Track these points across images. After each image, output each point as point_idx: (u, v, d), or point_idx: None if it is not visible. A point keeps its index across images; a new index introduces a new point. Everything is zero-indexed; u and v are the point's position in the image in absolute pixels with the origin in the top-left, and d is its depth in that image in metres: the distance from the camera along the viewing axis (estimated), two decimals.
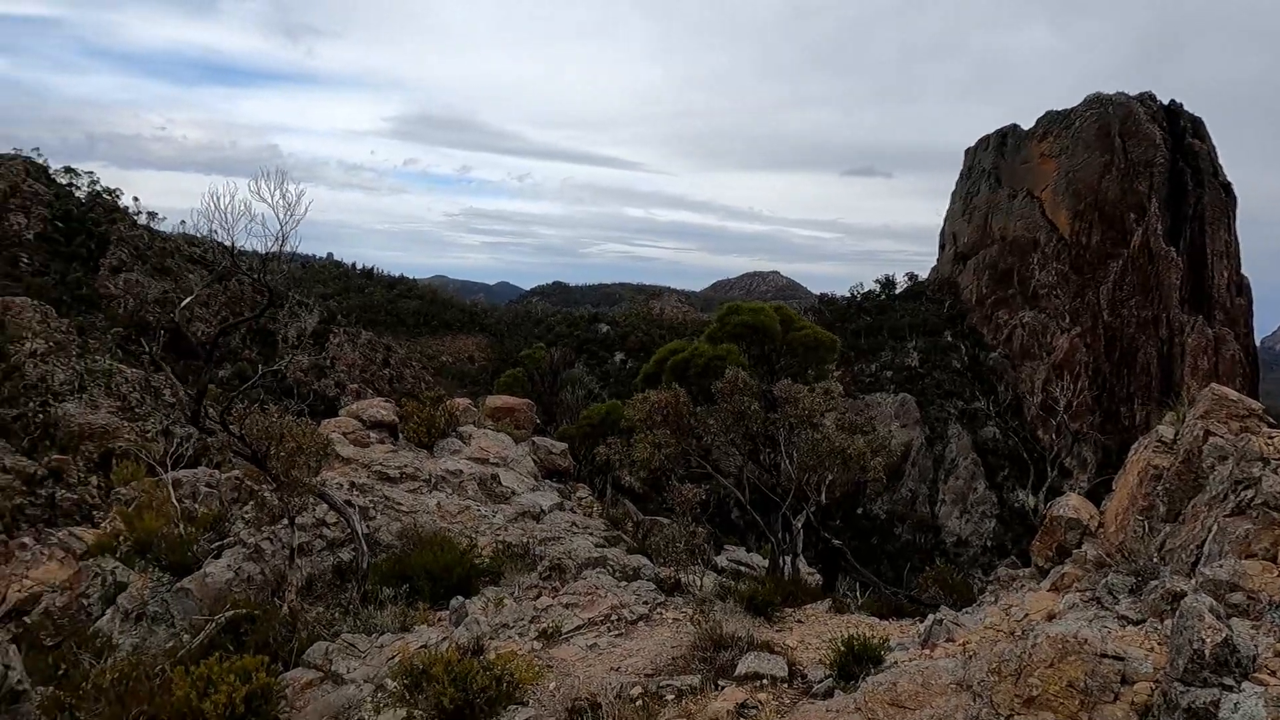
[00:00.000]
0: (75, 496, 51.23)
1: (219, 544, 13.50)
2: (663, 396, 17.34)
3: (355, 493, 14.23)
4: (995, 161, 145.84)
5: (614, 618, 10.20)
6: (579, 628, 9.94)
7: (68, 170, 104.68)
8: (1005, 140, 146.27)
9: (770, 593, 11.06)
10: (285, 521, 11.46)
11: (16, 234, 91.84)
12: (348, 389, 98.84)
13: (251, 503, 14.12)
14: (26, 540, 14.06)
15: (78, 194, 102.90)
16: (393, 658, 9.28)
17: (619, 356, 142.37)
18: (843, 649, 7.66)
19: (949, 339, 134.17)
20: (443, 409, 18.34)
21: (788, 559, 16.31)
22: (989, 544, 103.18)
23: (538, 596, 11.18)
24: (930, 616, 9.13)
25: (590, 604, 10.50)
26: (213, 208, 9.39)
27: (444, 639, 9.62)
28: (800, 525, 16.78)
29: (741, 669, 8.08)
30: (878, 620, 11.53)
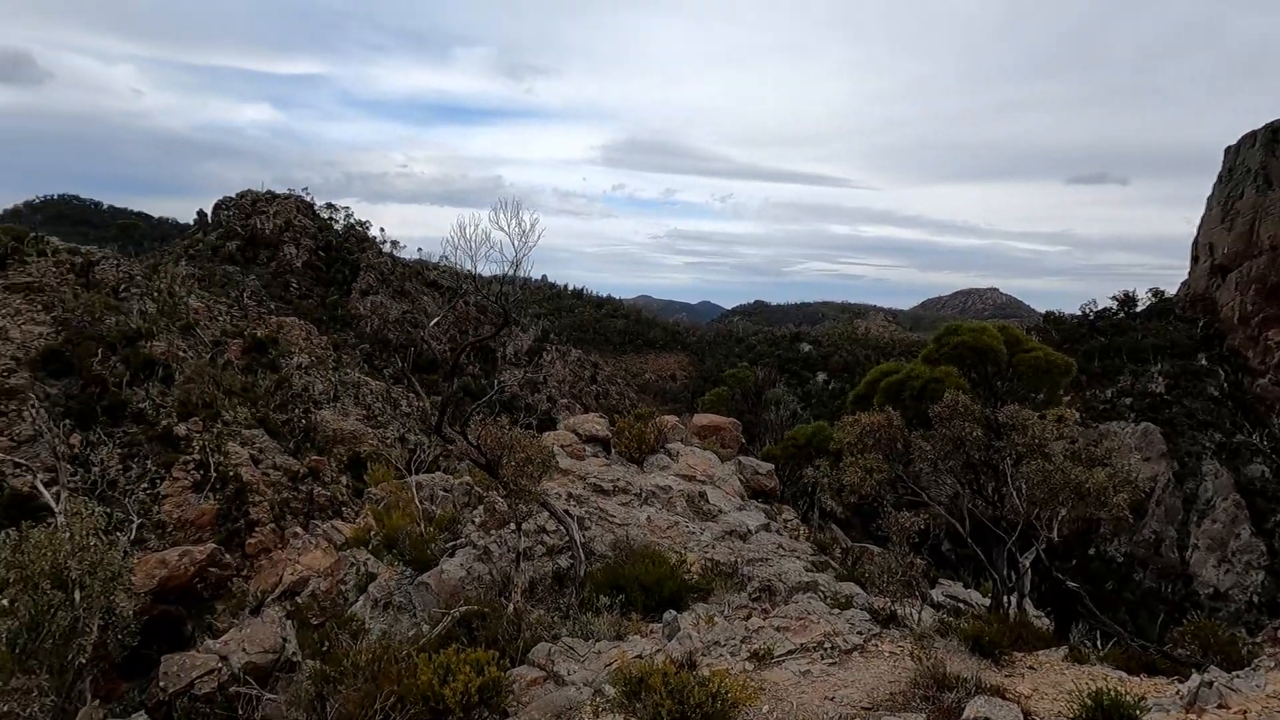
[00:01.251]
0: (329, 493, 57.79)
1: (453, 544, 14.73)
2: (875, 419, 16.75)
3: (572, 503, 14.96)
4: (1264, 160, 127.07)
5: (827, 645, 9.97)
6: (791, 652, 9.81)
7: (329, 206, 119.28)
8: (1276, 136, 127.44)
9: (998, 634, 10.30)
10: (512, 527, 12.28)
11: (289, 262, 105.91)
12: (558, 404, 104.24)
13: (481, 507, 15.28)
14: (298, 530, 16.14)
15: (336, 226, 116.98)
16: (610, 664, 9.64)
17: (821, 376, 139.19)
18: (1090, 703, 6.99)
19: (1204, 362, 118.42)
20: (652, 426, 18.86)
21: (1012, 599, 15.13)
22: (1256, 599, 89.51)
23: (748, 617, 11.16)
24: (1197, 676, 8.08)
25: (802, 629, 10.34)
26: (458, 236, 10.36)
27: (657, 651, 9.86)
28: (1028, 563, 15.54)
29: (969, 713, 7.60)
30: (1125, 675, 10.39)
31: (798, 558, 15.04)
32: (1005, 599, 14.92)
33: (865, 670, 9.65)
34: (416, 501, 14.92)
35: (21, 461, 43.04)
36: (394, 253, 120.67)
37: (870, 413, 17.37)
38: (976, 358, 20.58)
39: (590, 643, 10.47)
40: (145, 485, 49.41)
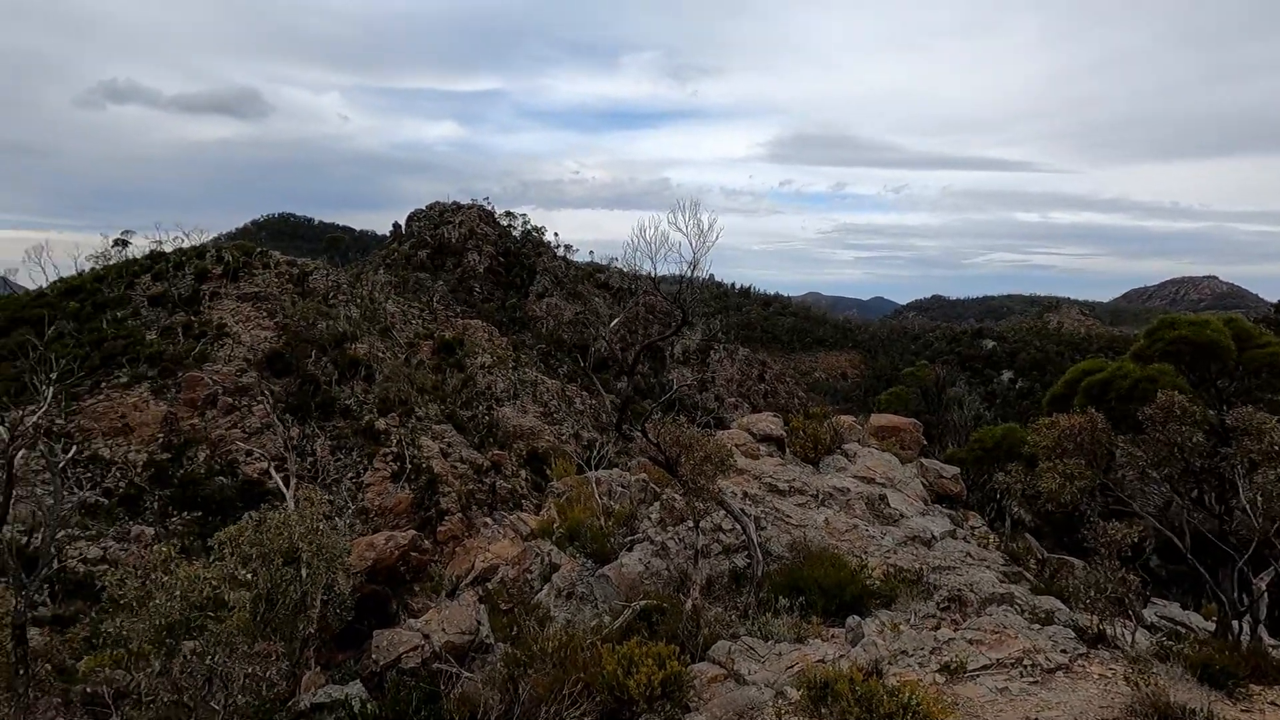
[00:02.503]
0: (510, 486, 60.86)
1: (631, 539, 15.09)
2: (1076, 421, 15.46)
3: (748, 502, 14.90)
4: None
5: (1026, 662, 9.31)
6: (986, 667, 9.25)
7: (507, 214, 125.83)
8: None
9: (1232, 662, 9.21)
10: (690, 524, 12.41)
11: (472, 268, 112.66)
12: (725, 403, 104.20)
13: (658, 504, 15.55)
14: (487, 520, 17.19)
15: (514, 233, 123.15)
16: (791, 666, 9.52)
17: (1007, 375, 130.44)
18: None
19: None
20: (828, 425, 18.43)
21: (1244, 624, 13.48)
22: None
23: (936, 627, 10.64)
24: None
25: (998, 643, 9.72)
26: (637, 238, 10.60)
27: (841, 656, 9.62)
28: (1264, 585, 13.79)
29: None
30: None
31: (988, 567, 14.16)
32: (1235, 624, 13.33)
33: (1071, 692, 8.93)
34: (596, 496, 15.43)
35: (254, 450, 48.39)
36: (567, 256, 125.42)
37: (1070, 414, 16.09)
38: (1197, 354, 18.51)
39: (770, 643, 10.38)
40: (351, 474, 54.19)
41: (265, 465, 49.22)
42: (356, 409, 57.51)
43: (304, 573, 10.74)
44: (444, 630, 11.83)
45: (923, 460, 19.91)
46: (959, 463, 21.94)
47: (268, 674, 9.13)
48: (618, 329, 13.71)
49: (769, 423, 18.66)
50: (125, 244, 69.72)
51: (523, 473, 62.42)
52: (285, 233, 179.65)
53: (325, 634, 13.13)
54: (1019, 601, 11.98)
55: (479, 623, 12.11)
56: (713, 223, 10.52)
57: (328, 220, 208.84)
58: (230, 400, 53.89)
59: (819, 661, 9.48)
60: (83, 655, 15.24)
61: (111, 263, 65.72)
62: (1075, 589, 13.32)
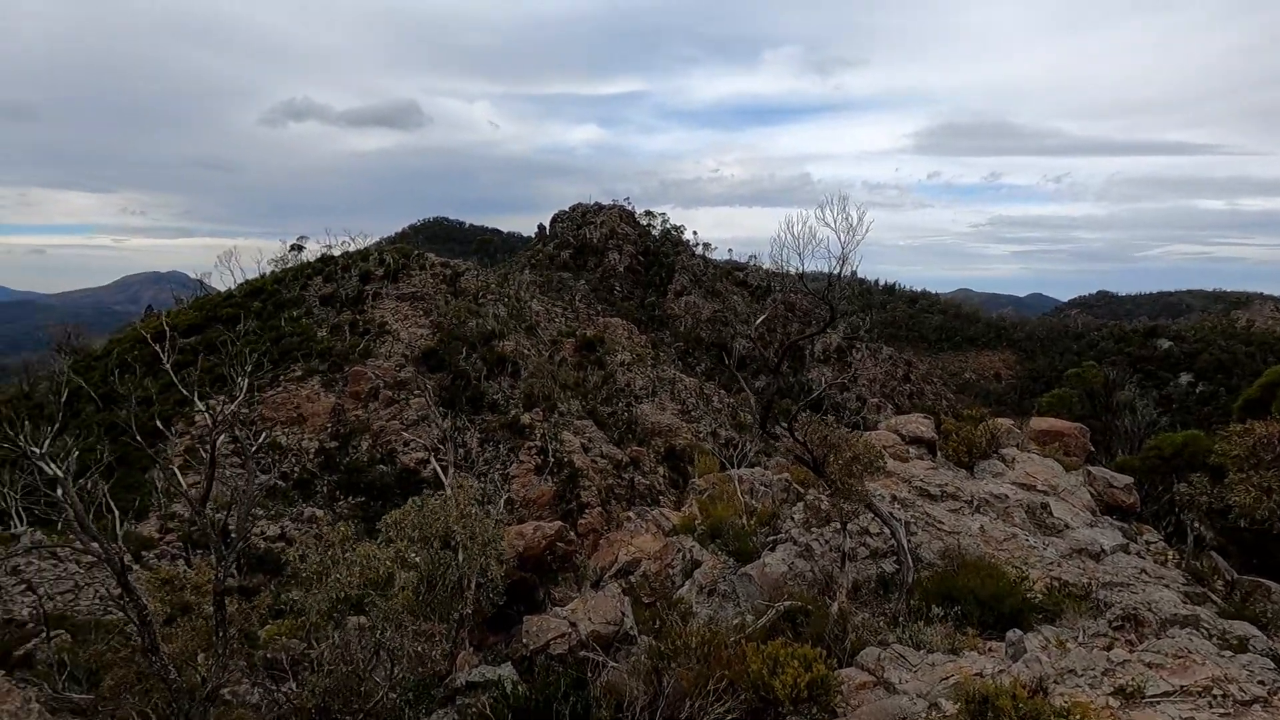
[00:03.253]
0: (648, 482, 61.56)
1: (773, 538, 14.92)
2: (1275, 429, 13.97)
3: (897, 506, 14.40)
4: None
5: (1216, 692, 8.47)
6: (1168, 694, 8.50)
7: (647, 214, 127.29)
8: None
9: None
10: (836, 525, 12.12)
11: (612, 267, 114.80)
12: (868, 403, 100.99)
13: (801, 504, 15.30)
14: (631, 514, 17.52)
15: (654, 232, 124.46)
16: (946, 678, 9.12)
17: (1185, 378, 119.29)
18: None
19: None
20: (984, 429, 17.50)
21: None
22: None
23: (1109, 647, 9.88)
24: None
25: (1181, 669, 8.90)
26: (784, 233, 10.45)
27: (1000, 671, 9.12)
28: None
29: None
30: None
31: (1168, 586, 13.00)
32: None
33: None
34: (739, 495, 15.37)
35: (413, 439, 51.43)
36: (706, 254, 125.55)
37: (1268, 420, 14.53)
38: None
39: (922, 653, 9.98)
40: (499, 465, 56.50)
41: (421, 455, 52.23)
42: (503, 404, 59.96)
43: (460, 556, 11.31)
44: (590, 620, 12.13)
45: (1090, 468, 18.54)
46: (1131, 472, 20.27)
47: (432, 652, 9.70)
48: (756, 327, 13.59)
49: (919, 424, 17.93)
50: (300, 249, 75.71)
51: (660, 469, 63.05)
52: (440, 235, 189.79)
53: (478, 616, 13.77)
54: (1205, 625, 10.93)
55: (623, 614, 12.34)
56: (862, 216, 10.22)
57: (478, 223, 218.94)
58: (390, 393, 57.53)
59: (977, 675, 9.02)
60: (264, 624, 16.67)
61: (288, 266, 71.54)
62: (1274, 615, 12.05)
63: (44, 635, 20.58)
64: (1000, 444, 17.96)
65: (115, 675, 12.08)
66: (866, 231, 10.34)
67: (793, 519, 15.16)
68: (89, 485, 9.95)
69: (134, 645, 11.96)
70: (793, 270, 10.83)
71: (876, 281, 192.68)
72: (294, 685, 11.88)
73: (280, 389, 55.59)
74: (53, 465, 8.55)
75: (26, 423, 8.81)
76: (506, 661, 12.13)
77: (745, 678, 9.48)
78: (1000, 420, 19.66)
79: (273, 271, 69.92)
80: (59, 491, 8.67)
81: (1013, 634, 9.82)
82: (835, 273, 10.27)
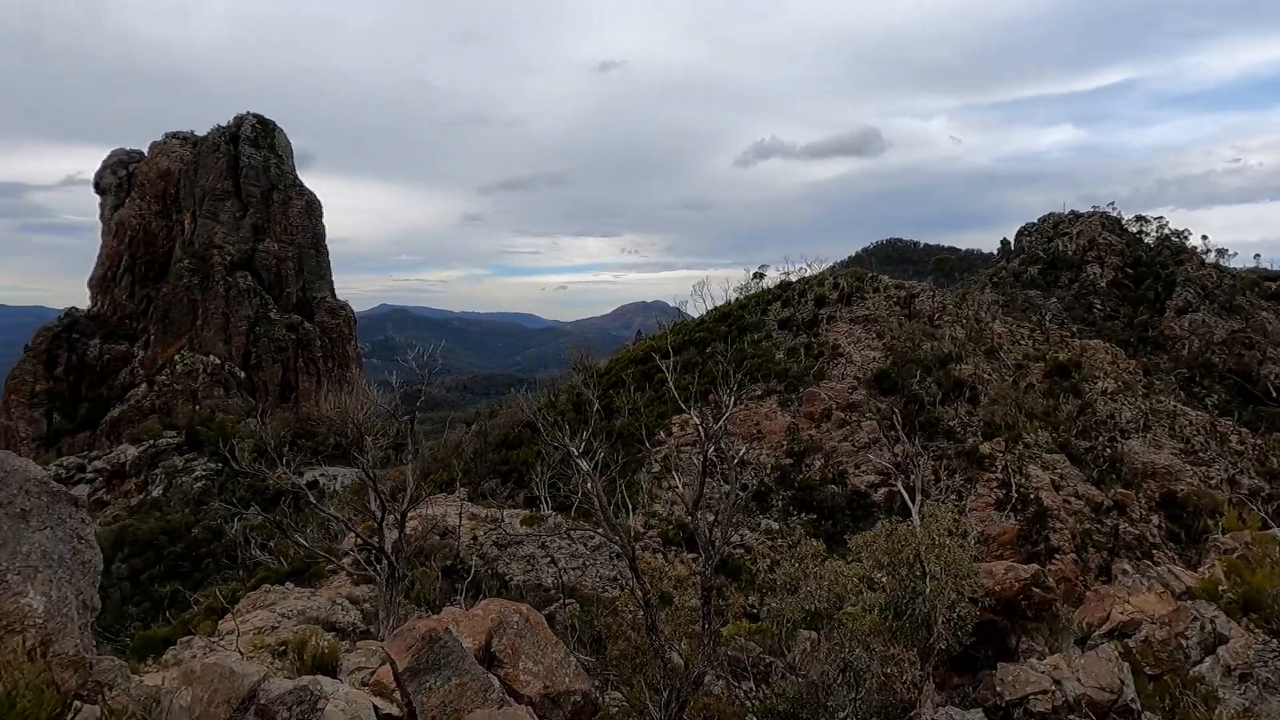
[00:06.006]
0: (1136, 531, 52.67)
1: None
2: None
3: None
4: None
5: None
6: None
7: (1138, 219, 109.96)
8: None
9: None
10: None
11: (1091, 282, 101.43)
12: None
13: None
14: (1126, 567, 15.03)
15: (1146, 240, 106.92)
16: None
17: None
18: None
19: None
20: None
21: None
22: None
23: None
24: None
25: None
26: None
27: None
28: None
29: None
30: None
31: None
32: None
33: None
34: None
35: (871, 458, 51.47)
36: (1220, 263, 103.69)
37: None
38: None
39: None
40: (953, 497, 53.52)
41: (873, 478, 51.93)
42: (960, 431, 56.69)
43: (929, 586, 10.86)
44: (1079, 681, 10.68)
45: None
46: None
47: (903, 678, 9.47)
48: (1271, 347, 10.61)
49: None
50: (762, 276, 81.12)
51: (1154, 517, 53.46)
52: (893, 257, 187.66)
53: (943, 653, 13.08)
54: None
55: (1122, 682, 10.63)
56: None
57: (933, 242, 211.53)
58: (842, 415, 58.36)
59: None
60: (724, 623, 17.97)
61: (751, 293, 77.15)
62: None
63: (561, 602, 25.06)
64: None
65: (618, 646, 14.11)
66: None
67: None
68: (606, 481, 11.79)
69: (633, 622, 13.84)
70: None
71: None
72: (751, 685, 12.57)
73: (742, 406, 60.18)
74: (584, 462, 10.32)
75: (566, 426, 10.80)
76: (976, 708, 11.29)
77: None
78: None
79: (738, 298, 75.98)
80: (587, 484, 10.45)
81: None
82: None
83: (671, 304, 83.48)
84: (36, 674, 6.16)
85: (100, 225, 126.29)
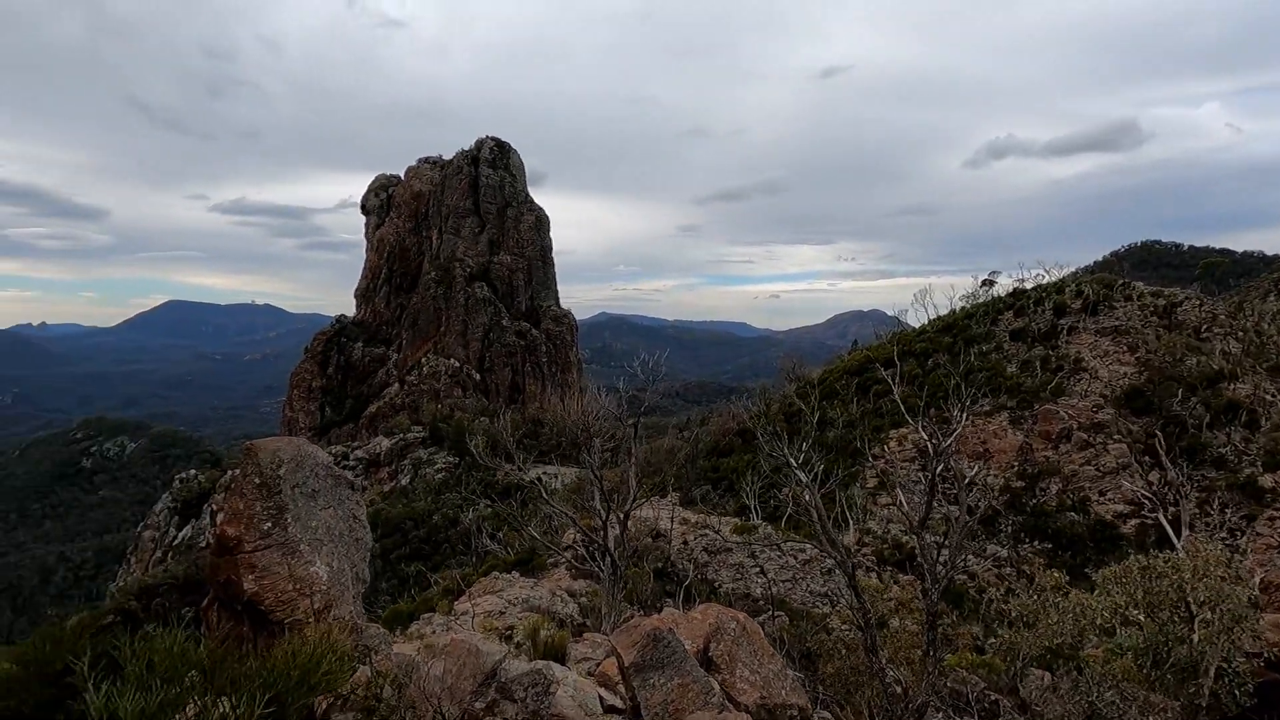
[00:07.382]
0: None
1: None
2: None
3: None
4: None
5: None
6: None
7: None
8: None
9: None
10: None
11: None
12: None
13: None
14: None
15: None
16: None
17: None
18: None
19: None
20: None
21: None
22: None
23: None
24: None
25: None
26: None
27: None
28: None
29: None
30: None
31: None
32: None
33: None
34: None
35: (1126, 485, 46.46)
36: None
37: None
38: None
39: None
40: (1225, 535, 46.81)
41: (1121, 508, 46.72)
42: (1233, 460, 49.41)
43: (1197, 632, 9.59)
44: None
45: None
46: None
47: None
48: None
49: None
50: (991, 284, 75.75)
51: None
52: (1149, 262, 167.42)
53: (1214, 712, 11.47)
54: None
55: None
56: None
57: (1200, 244, 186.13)
58: (1085, 436, 52.98)
59: None
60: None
61: (979, 301, 72.24)
62: None
63: (770, 613, 24.82)
64: None
65: (832, 664, 13.74)
66: None
67: None
68: (824, 494, 11.54)
69: (847, 641, 13.43)
70: None
71: None
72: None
73: (967, 422, 56.38)
74: (803, 474, 10.19)
75: (785, 436, 10.70)
76: None
77: None
78: None
79: (963, 307, 71.49)
80: (805, 496, 10.30)
81: None
82: None
83: (890, 313, 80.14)
84: (321, 635, 7.12)
85: (365, 242, 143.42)
